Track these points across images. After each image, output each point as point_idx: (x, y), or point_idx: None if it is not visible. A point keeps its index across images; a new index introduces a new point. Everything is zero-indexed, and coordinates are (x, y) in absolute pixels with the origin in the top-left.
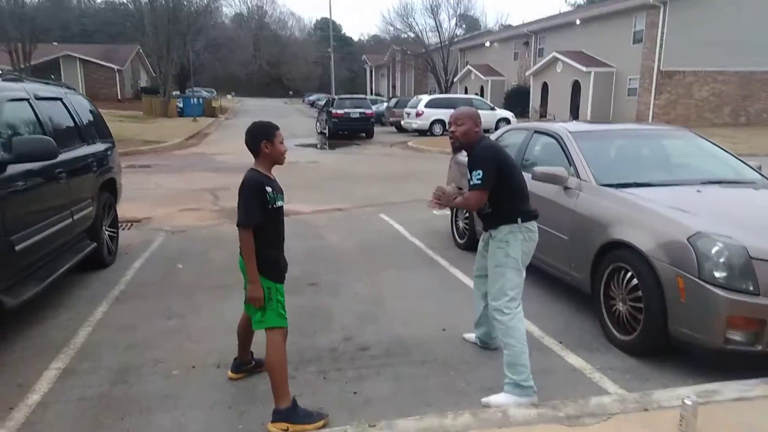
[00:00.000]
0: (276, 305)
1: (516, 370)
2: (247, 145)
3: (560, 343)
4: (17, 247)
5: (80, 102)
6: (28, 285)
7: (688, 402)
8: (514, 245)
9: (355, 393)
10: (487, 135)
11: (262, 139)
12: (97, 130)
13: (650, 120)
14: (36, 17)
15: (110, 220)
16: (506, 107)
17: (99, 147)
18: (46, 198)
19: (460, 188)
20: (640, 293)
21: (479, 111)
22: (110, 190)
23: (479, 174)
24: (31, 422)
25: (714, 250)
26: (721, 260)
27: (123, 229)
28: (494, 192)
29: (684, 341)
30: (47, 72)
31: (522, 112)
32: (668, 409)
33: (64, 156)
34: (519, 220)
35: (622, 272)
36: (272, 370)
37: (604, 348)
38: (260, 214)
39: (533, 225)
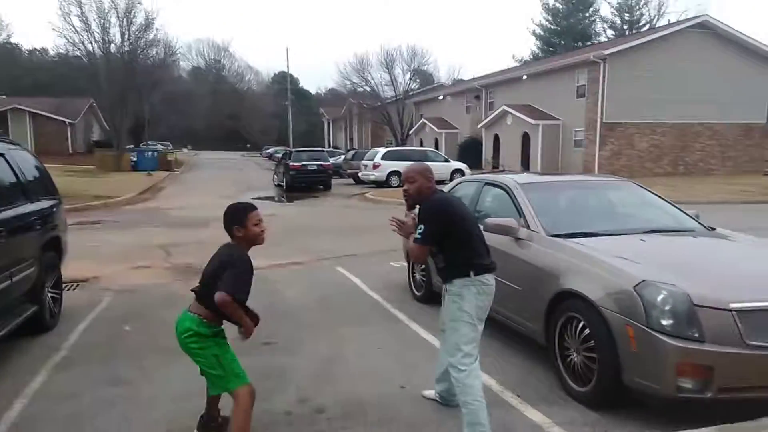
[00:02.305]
0: (229, 367)
1: (475, 429)
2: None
3: (518, 396)
4: None
5: (24, 158)
6: None
7: None
8: (468, 299)
9: None
10: (440, 189)
11: (233, 224)
12: (43, 186)
13: (596, 170)
14: None
15: (53, 280)
16: (460, 159)
17: (43, 204)
18: None
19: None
20: (593, 343)
21: (434, 163)
22: (55, 248)
23: (421, 229)
24: None
25: (659, 298)
26: (667, 308)
27: (67, 289)
28: (445, 246)
29: (639, 391)
30: None
31: (475, 163)
32: None
33: (3, 215)
34: (471, 273)
35: (575, 322)
36: None
37: (562, 401)
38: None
39: (488, 278)
